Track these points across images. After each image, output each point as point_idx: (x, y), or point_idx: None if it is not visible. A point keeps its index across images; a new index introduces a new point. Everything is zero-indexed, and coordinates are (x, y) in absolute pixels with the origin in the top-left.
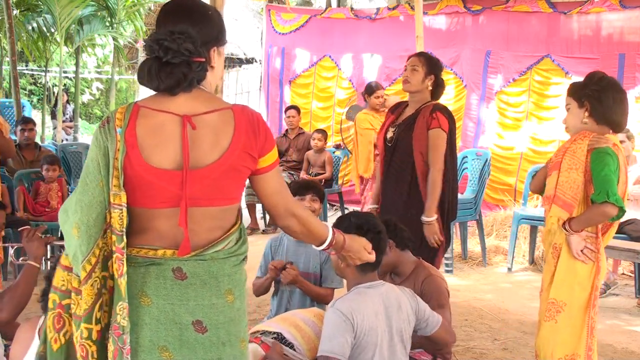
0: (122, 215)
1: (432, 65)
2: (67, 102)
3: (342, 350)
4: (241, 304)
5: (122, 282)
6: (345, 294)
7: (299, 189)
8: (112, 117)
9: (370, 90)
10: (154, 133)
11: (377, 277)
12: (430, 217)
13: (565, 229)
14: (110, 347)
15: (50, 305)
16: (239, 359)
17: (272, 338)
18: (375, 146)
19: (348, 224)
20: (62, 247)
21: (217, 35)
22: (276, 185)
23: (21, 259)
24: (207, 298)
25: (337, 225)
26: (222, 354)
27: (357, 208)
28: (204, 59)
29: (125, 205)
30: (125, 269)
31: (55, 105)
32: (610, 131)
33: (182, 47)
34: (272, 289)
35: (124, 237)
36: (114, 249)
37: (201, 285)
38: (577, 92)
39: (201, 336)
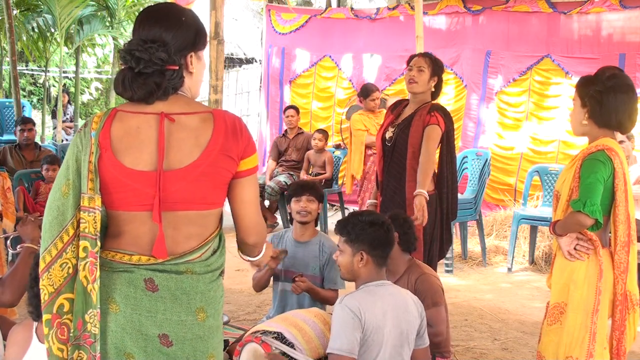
0: (96, 219)
1: (437, 67)
2: (69, 102)
3: (350, 347)
4: (214, 321)
5: (95, 288)
6: (354, 291)
7: (296, 189)
8: (90, 122)
9: (365, 93)
10: (129, 135)
11: (385, 276)
12: (423, 190)
13: (551, 231)
14: (83, 356)
15: (81, 254)
16: None
17: (272, 337)
18: (367, 147)
19: (358, 223)
20: None
21: (193, 40)
22: (252, 193)
23: (18, 247)
24: (176, 314)
25: (344, 226)
26: None
27: (357, 208)
28: (177, 67)
29: (100, 209)
30: (98, 274)
31: (56, 105)
32: (615, 134)
33: (154, 56)
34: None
35: (98, 241)
36: (84, 255)
37: (171, 300)
38: (582, 90)
39: (166, 349)
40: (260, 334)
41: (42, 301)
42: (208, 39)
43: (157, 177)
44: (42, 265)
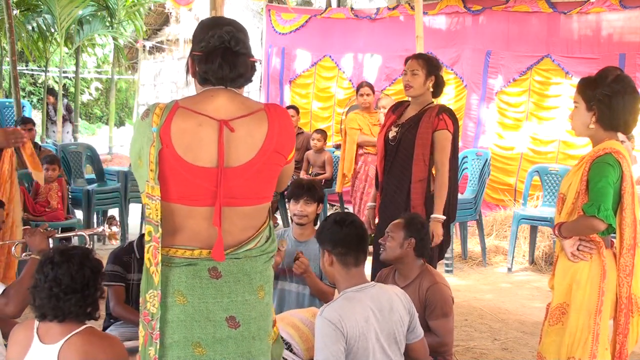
0: (157, 207)
1: (431, 67)
2: (54, 103)
3: (335, 359)
4: (270, 299)
5: (158, 271)
6: (334, 300)
7: (294, 190)
8: (151, 113)
9: (357, 88)
10: (190, 132)
11: (365, 277)
12: (440, 215)
13: (555, 233)
14: (142, 332)
15: (146, 237)
16: (266, 353)
17: None
18: (359, 146)
19: (323, 223)
20: (64, 239)
21: (250, 49)
22: (289, 172)
23: (24, 254)
24: (240, 294)
25: (317, 232)
26: (252, 348)
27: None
28: (256, 60)
29: (159, 198)
30: (160, 258)
31: (49, 106)
32: (618, 135)
33: (246, 41)
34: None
35: (160, 227)
36: (149, 238)
37: (235, 282)
38: (586, 93)
39: (234, 331)
40: None
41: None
42: None
43: (218, 174)
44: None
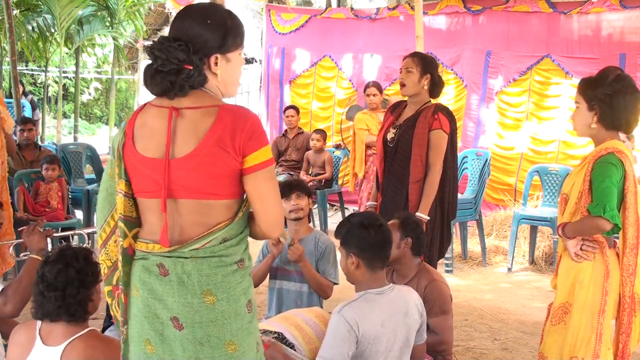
0: (121, 201)
1: (426, 65)
2: (24, 93)
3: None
4: (229, 305)
5: (121, 268)
6: (354, 299)
7: (283, 189)
8: (130, 114)
9: (364, 88)
10: (145, 125)
11: (386, 279)
12: (424, 215)
13: (559, 234)
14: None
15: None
16: None
17: (273, 338)
18: (367, 146)
19: (348, 224)
20: (62, 239)
21: (220, 43)
22: (268, 187)
23: (22, 254)
24: (182, 296)
25: (338, 228)
26: (200, 354)
27: (357, 208)
28: (192, 67)
29: (123, 192)
30: (122, 254)
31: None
32: (619, 134)
33: (171, 55)
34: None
35: (121, 222)
36: (118, 235)
37: (178, 283)
38: (587, 93)
39: (179, 333)
40: (261, 333)
41: (102, 274)
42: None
43: (164, 165)
44: (99, 242)
